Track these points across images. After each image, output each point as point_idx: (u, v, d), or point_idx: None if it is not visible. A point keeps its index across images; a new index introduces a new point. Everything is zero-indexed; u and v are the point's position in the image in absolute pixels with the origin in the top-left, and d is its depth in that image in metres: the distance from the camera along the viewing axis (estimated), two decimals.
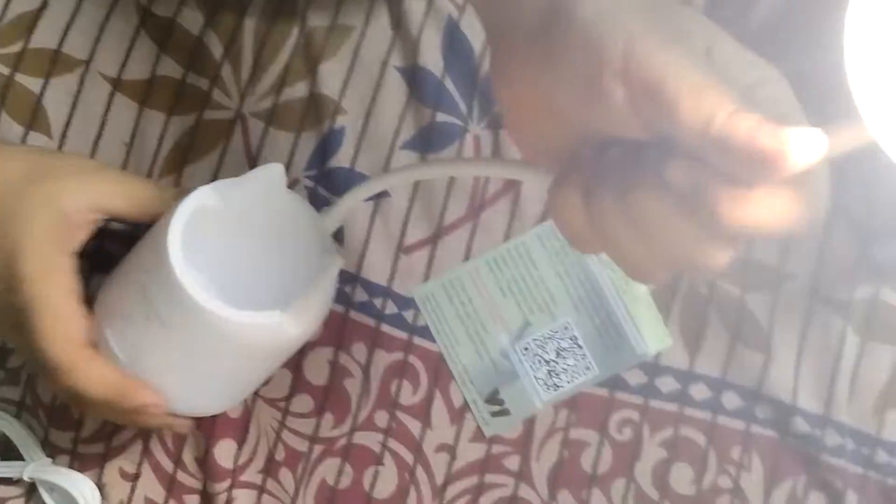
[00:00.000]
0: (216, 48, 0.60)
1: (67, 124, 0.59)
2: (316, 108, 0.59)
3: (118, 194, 0.50)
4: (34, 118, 0.59)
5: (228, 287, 0.47)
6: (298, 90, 0.59)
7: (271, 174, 0.48)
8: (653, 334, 0.58)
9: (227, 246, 0.49)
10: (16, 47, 0.60)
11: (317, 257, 0.49)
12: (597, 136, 0.34)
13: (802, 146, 0.27)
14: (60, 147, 0.59)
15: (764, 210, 0.29)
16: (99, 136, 0.59)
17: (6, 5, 0.60)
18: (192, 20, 0.60)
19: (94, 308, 0.49)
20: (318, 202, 0.58)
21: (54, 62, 0.60)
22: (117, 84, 0.59)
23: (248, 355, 0.48)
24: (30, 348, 0.48)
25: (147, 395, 0.48)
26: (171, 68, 0.60)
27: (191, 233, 0.46)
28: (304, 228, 0.49)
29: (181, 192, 0.50)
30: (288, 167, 0.58)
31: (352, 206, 0.48)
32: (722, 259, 0.32)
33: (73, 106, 0.59)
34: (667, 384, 0.58)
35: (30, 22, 0.60)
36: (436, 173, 0.56)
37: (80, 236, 0.49)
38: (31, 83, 0.59)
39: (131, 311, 0.47)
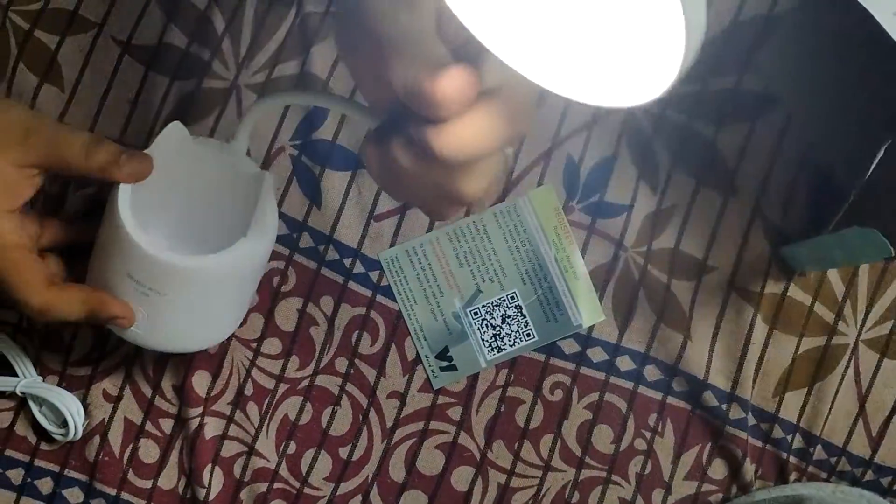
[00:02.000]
0: (219, 23, 0.66)
1: (78, 80, 0.65)
2: (305, 85, 0.66)
3: (52, 154, 0.52)
4: (48, 71, 0.65)
5: (189, 237, 0.54)
6: (290, 67, 0.66)
7: (175, 132, 0.53)
8: (588, 310, 0.65)
9: (172, 205, 0.56)
10: (36, 5, 0.65)
11: (249, 182, 0.54)
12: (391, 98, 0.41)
13: (457, 84, 0.35)
14: (71, 99, 0.65)
15: (464, 132, 0.37)
16: (106, 93, 0.65)
17: None
18: None
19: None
20: (301, 170, 0.65)
21: (70, 22, 0.66)
22: (127, 47, 0.66)
23: (237, 281, 0.55)
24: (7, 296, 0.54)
25: (116, 310, 0.53)
26: (176, 38, 0.66)
27: (139, 208, 0.52)
28: (227, 164, 0.55)
29: (104, 146, 0.52)
30: (275, 136, 0.65)
31: (249, 127, 0.53)
32: (474, 188, 0.39)
33: (85, 63, 0.65)
34: (597, 354, 0.65)
35: None
36: (303, 101, 0.61)
37: (25, 194, 0.53)
38: (48, 39, 0.65)
39: (130, 295, 0.53)
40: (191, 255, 0.52)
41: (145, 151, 0.53)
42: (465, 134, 0.37)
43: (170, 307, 0.54)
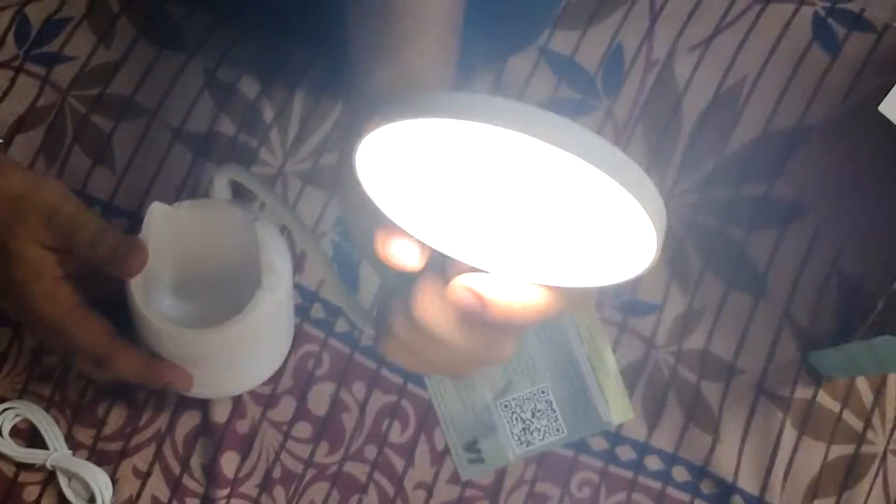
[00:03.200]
0: (268, 114, 0.69)
1: (129, 163, 0.68)
2: None
3: (66, 241, 0.53)
4: (101, 154, 0.68)
5: (212, 291, 0.58)
6: (335, 157, 0.68)
7: (159, 213, 0.54)
8: (618, 407, 0.65)
9: (187, 268, 0.59)
10: (94, 91, 0.68)
11: (245, 229, 0.55)
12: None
13: (403, 252, 0.36)
14: (121, 181, 0.67)
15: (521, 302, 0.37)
16: (155, 177, 0.68)
17: (91, 54, 0.69)
18: (249, 87, 0.69)
19: None
20: (342, 256, 0.66)
21: (126, 108, 0.68)
22: (178, 134, 0.68)
23: (273, 323, 0.56)
24: (70, 348, 0.55)
25: (170, 376, 0.55)
26: (226, 126, 0.68)
27: (156, 280, 0.55)
28: (218, 220, 0.56)
29: (106, 239, 0.53)
30: (318, 222, 0.67)
31: (224, 181, 0.55)
32: (507, 350, 0.40)
33: (137, 148, 0.68)
34: (625, 453, 0.65)
35: (110, 71, 0.69)
36: (298, 235, 0.55)
37: (69, 261, 0.54)
38: (104, 123, 0.68)
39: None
40: (221, 323, 0.53)
41: (139, 237, 0.53)
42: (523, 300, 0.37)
43: (220, 365, 0.57)
